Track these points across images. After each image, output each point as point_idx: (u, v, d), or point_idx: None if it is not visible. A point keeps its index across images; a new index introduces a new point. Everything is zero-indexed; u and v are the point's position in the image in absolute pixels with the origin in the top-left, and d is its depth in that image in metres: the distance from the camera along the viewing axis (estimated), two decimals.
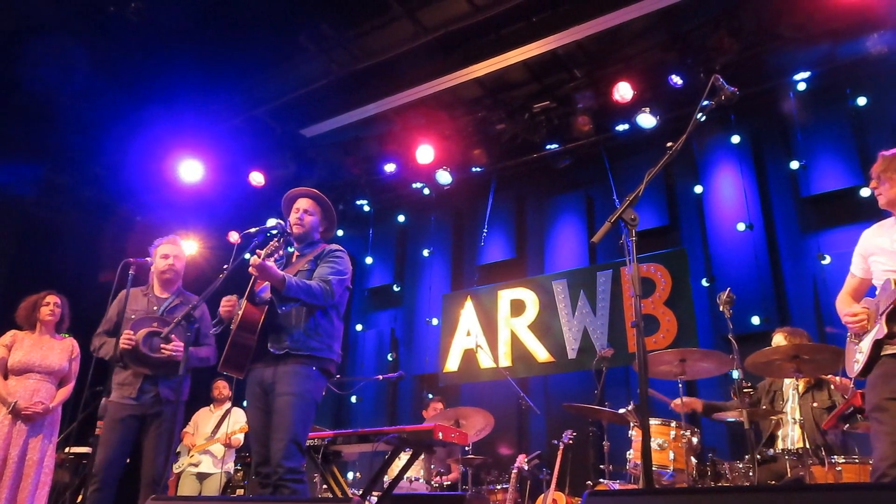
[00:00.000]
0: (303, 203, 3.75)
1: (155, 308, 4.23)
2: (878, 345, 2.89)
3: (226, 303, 3.53)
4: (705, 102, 2.80)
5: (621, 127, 7.18)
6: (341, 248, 3.76)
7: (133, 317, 4.12)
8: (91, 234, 7.89)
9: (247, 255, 3.50)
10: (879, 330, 2.90)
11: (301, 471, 3.26)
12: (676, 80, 6.51)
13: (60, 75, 6.53)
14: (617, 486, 4.85)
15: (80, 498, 5.33)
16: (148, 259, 4.30)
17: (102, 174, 7.78)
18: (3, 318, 5.01)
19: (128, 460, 4.09)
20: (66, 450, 5.82)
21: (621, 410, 4.79)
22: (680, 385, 4.61)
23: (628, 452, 4.60)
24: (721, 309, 4.30)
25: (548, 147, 7.63)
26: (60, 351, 4.81)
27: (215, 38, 6.54)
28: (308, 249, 3.73)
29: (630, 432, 4.69)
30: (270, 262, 3.34)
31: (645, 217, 6.97)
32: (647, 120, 6.80)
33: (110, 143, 7.32)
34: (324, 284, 3.47)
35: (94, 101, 6.82)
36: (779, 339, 4.62)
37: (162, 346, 3.98)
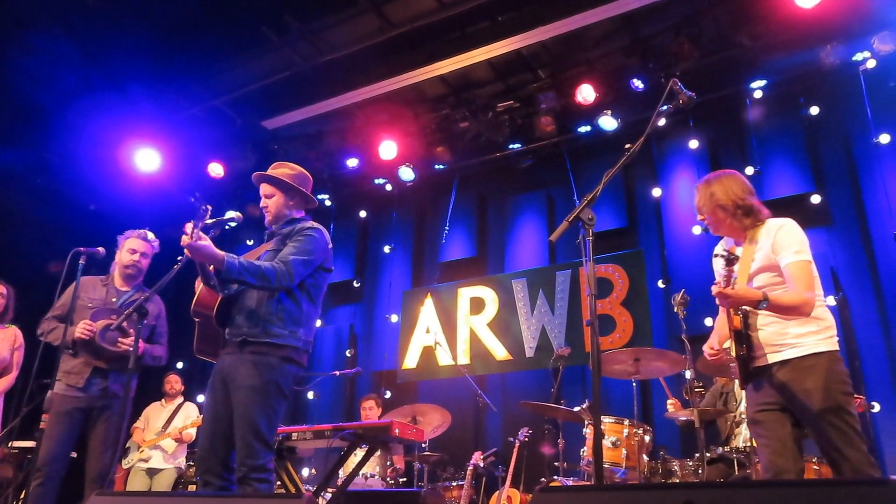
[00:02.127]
0: (262, 190, 3.52)
1: (114, 300, 4.15)
2: (743, 362, 2.89)
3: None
4: (664, 106, 2.85)
5: (583, 129, 7.27)
6: (316, 226, 3.45)
7: (90, 305, 4.04)
8: (40, 222, 7.66)
9: (249, 241, 3.36)
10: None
11: (267, 468, 3.04)
12: (638, 84, 6.62)
13: (8, 61, 6.33)
14: (570, 483, 4.90)
15: (23, 494, 5.17)
16: (100, 249, 4.19)
17: (52, 161, 7.55)
18: None
19: (73, 455, 4.00)
20: (10, 444, 5.65)
21: (576, 408, 4.85)
22: (634, 384, 4.69)
23: (582, 450, 4.67)
24: (675, 310, 4.38)
25: (510, 147, 7.68)
26: (3, 340, 4.65)
27: (174, 27, 6.42)
28: (284, 228, 3.46)
29: (584, 430, 4.76)
30: (206, 241, 3.04)
31: (604, 218, 7.06)
32: (608, 122, 6.89)
33: (61, 129, 7.11)
34: (279, 265, 3.15)
35: (43, 85, 6.61)
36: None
37: (119, 339, 3.90)
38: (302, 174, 3.57)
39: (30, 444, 5.49)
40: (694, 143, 6.95)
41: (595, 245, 2.62)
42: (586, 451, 4.59)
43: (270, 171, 3.51)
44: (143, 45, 6.56)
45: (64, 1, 6.10)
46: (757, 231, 3.03)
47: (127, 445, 6.54)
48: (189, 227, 3.01)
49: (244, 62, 7.16)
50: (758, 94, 6.63)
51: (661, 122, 6.39)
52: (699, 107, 6.57)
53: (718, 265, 2.92)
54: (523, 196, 8.04)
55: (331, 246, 3.50)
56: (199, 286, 3.30)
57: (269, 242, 3.48)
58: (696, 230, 6.62)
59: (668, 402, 4.82)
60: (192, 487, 6.45)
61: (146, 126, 7.50)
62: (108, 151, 7.50)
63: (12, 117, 6.96)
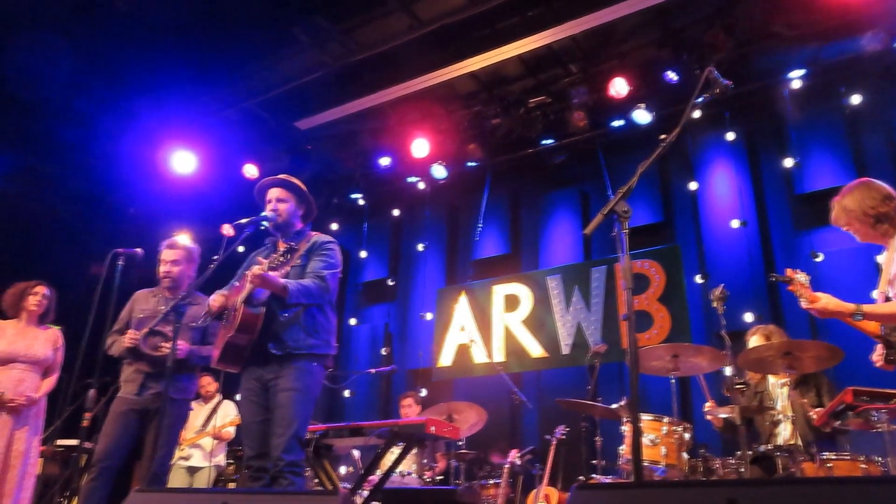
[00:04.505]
0: (274, 193, 3.70)
1: (162, 308, 4.26)
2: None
3: (215, 301, 3.55)
4: (700, 96, 2.79)
5: (616, 123, 7.17)
6: (332, 239, 3.74)
7: (142, 316, 4.25)
8: (80, 225, 7.85)
9: (240, 248, 3.49)
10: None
11: (301, 464, 3.29)
12: (672, 76, 6.51)
13: (47, 67, 6.48)
14: (609, 480, 4.84)
15: (68, 491, 5.30)
16: (138, 250, 4.32)
17: (92, 165, 7.71)
18: None
19: (127, 454, 4.11)
20: (55, 442, 5.79)
21: (614, 406, 4.79)
22: (672, 381, 4.61)
23: (620, 448, 4.60)
24: (714, 305, 4.29)
25: (543, 142, 7.62)
26: (45, 341, 4.77)
27: (207, 29, 6.50)
28: (297, 239, 3.69)
29: (622, 428, 4.69)
30: (274, 274, 3.36)
31: (639, 213, 6.97)
32: (642, 116, 6.79)
33: (100, 134, 7.26)
34: (319, 282, 3.49)
35: (82, 92, 6.77)
36: (757, 339, 4.60)
37: (160, 344, 4.01)
38: (310, 197, 3.84)
39: (74, 442, 5.61)
40: (730, 136, 6.82)
41: (630, 240, 2.58)
42: (624, 449, 4.52)
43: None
44: (177, 50, 6.66)
45: (98, 9, 6.21)
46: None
47: None
48: (266, 263, 3.35)
49: (276, 63, 7.23)
50: (796, 85, 6.47)
51: (697, 114, 6.28)
52: (735, 98, 6.51)
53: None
54: (556, 192, 7.98)
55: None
56: (241, 308, 3.39)
57: (292, 258, 3.59)
58: (734, 224, 6.49)
59: (706, 404, 4.72)
60: (231, 485, 6.54)
61: (182, 129, 7.62)
62: (146, 154, 7.64)
63: (52, 122, 7.13)
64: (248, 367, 3.50)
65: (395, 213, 8.87)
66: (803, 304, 2.83)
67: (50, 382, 4.78)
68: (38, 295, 4.81)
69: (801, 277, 3.19)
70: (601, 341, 6.51)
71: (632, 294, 2.48)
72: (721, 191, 6.80)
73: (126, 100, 6.94)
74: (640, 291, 6.72)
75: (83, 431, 4.42)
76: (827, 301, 2.82)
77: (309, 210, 3.81)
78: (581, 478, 5.09)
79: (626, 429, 4.60)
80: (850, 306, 2.72)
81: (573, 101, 7.08)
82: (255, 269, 3.30)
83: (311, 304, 3.49)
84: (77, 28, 6.38)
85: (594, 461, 5.18)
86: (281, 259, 3.41)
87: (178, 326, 3.63)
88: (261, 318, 3.44)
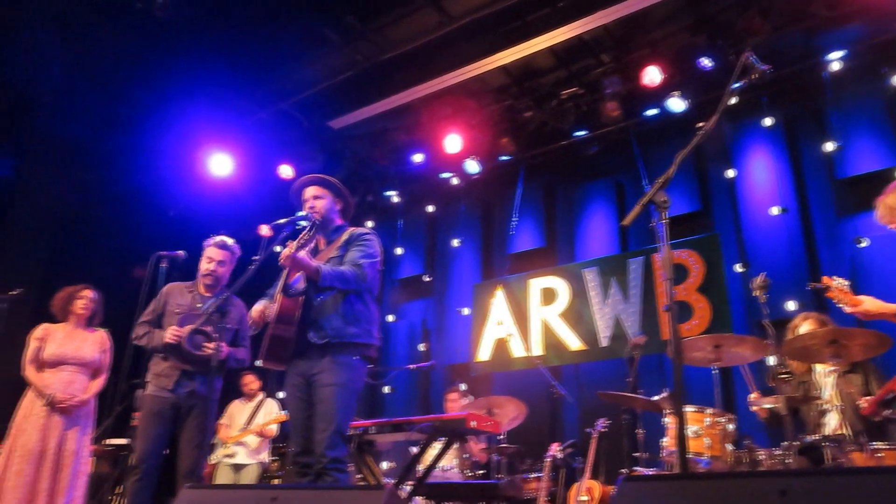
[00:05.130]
0: (311, 191, 3.74)
1: (199, 306, 4.30)
2: None
3: (256, 313, 3.54)
4: (737, 82, 2.74)
5: (651, 112, 7.10)
6: (370, 230, 3.75)
7: (178, 311, 4.21)
8: (123, 228, 8.02)
9: (277, 248, 3.52)
10: None
11: (344, 460, 3.28)
12: (706, 62, 6.40)
13: (90, 76, 6.64)
14: (651, 473, 4.80)
15: (119, 489, 5.45)
16: (180, 252, 4.38)
17: (133, 169, 7.89)
18: (40, 312, 5.12)
19: (166, 451, 4.19)
20: (104, 442, 5.95)
21: (655, 398, 4.75)
22: (714, 372, 4.55)
23: (663, 440, 4.56)
24: (755, 294, 4.22)
25: (576, 134, 7.56)
26: (93, 343, 4.89)
27: (239, 33, 6.59)
28: (335, 235, 3.72)
29: (664, 420, 4.64)
30: (302, 254, 3.34)
31: (677, 202, 6.88)
32: (676, 104, 6.70)
33: (141, 138, 7.42)
34: (355, 268, 3.48)
35: (124, 98, 6.92)
36: (808, 325, 4.51)
37: (204, 343, 4.06)
38: (346, 192, 3.85)
39: (123, 441, 5.76)
40: (768, 121, 6.68)
41: (668, 228, 2.55)
42: (667, 441, 4.48)
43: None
44: (212, 55, 6.77)
45: (136, 17, 6.34)
46: None
47: (213, 442, 6.79)
48: (294, 244, 3.35)
49: (308, 65, 7.30)
50: (835, 66, 6.32)
51: (733, 100, 6.16)
52: (773, 83, 6.38)
53: None
54: (591, 184, 7.91)
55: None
56: (278, 298, 3.42)
57: (329, 249, 3.65)
58: (774, 211, 6.37)
59: (751, 395, 4.64)
60: (275, 481, 6.65)
61: (218, 132, 7.75)
62: (185, 158, 7.79)
63: (95, 128, 7.30)
64: (291, 363, 3.50)
65: (430, 209, 8.90)
66: (846, 310, 2.78)
67: (98, 383, 4.89)
68: (85, 299, 4.93)
69: (839, 282, 3.14)
70: (640, 333, 6.45)
71: (672, 284, 2.45)
72: (760, 177, 6.68)
73: (165, 105, 7.08)
74: (679, 282, 6.64)
75: (132, 431, 4.51)
76: (869, 304, 2.77)
77: (346, 205, 3.84)
78: (624, 470, 5.06)
79: (669, 420, 4.56)
80: (893, 307, 2.67)
81: (606, 92, 7.01)
82: (285, 251, 3.30)
83: (349, 291, 3.47)
84: (117, 36, 6.53)
85: (636, 454, 5.13)
86: (307, 236, 3.40)
87: (224, 328, 3.69)
88: (299, 305, 3.44)
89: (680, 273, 6.65)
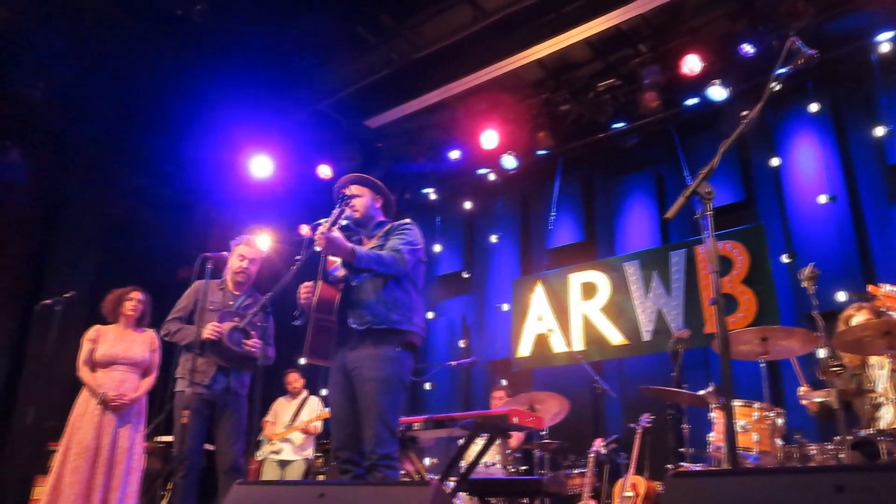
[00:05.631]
0: (350, 190, 3.68)
1: (231, 303, 4.36)
2: None
3: (304, 290, 3.44)
4: (782, 68, 2.67)
5: (691, 101, 6.96)
6: (410, 221, 3.69)
7: (212, 308, 4.24)
8: (168, 231, 8.21)
9: (304, 228, 3.46)
10: None
11: (394, 457, 3.20)
12: (748, 48, 6.26)
13: (132, 80, 6.80)
14: (698, 468, 4.73)
15: (170, 485, 5.57)
16: (225, 253, 4.44)
17: (178, 174, 8.05)
18: (91, 313, 5.26)
19: (211, 447, 4.27)
20: (155, 438, 6.09)
21: (700, 392, 4.67)
22: (762, 366, 4.45)
23: (709, 435, 4.48)
24: (804, 285, 4.11)
25: (614, 126, 7.47)
26: (142, 343, 5.01)
27: (276, 36, 6.67)
28: (376, 230, 3.67)
29: (710, 414, 4.57)
30: (336, 233, 3.28)
31: (720, 193, 6.69)
32: (718, 92, 6.56)
33: (185, 142, 7.57)
34: (394, 253, 3.40)
35: (167, 103, 7.07)
36: (861, 316, 4.38)
37: (243, 341, 4.13)
38: (384, 188, 3.80)
39: (172, 438, 5.90)
40: (814, 107, 6.49)
41: (713, 221, 2.50)
42: (714, 436, 4.40)
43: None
44: (250, 58, 6.88)
45: (177, 23, 6.46)
46: None
47: (259, 438, 6.91)
48: (327, 222, 3.28)
49: (344, 64, 7.36)
50: (884, 48, 6.11)
51: (777, 86, 6.02)
52: (818, 67, 6.17)
53: None
54: (630, 176, 7.81)
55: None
56: (319, 285, 3.43)
57: (370, 242, 3.62)
58: (822, 199, 6.20)
59: (800, 389, 4.53)
60: (320, 477, 6.73)
61: (258, 134, 7.85)
62: (227, 160, 7.92)
63: (145, 133, 7.48)
64: (334, 356, 3.46)
65: (467, 205, 8.88)
66: None
67: (148, 382, 5.00)
68: (134, 300, 5.05)
69: (887, 289, 3.03)
70: (683, 327, 6.35)
71: (718, 277, 2.41)
72: (806, 165, 6.51)
73: (207, 110, 7.21)
74: (723, 274, 6.51)
75: (178, 428, 4.61)
76: None
77: (387, 201, 3.80)
78: (669, 466, 4.99)
79: (715, 415, 4.48)
80: None
81: (644, 82, 6.90)
82: (319, 229, 3.23)
83: (388, 277, 3.39)
84: (158, 42, 6.67)
85: (682, 449, 5.06)
86: (337, 211, 3.35)
87: (264, 326, 3.73)
88: (339, 292, 3.40)
89: (724, 265, 6.52)
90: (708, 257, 2.42)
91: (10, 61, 6.67)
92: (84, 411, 4.72)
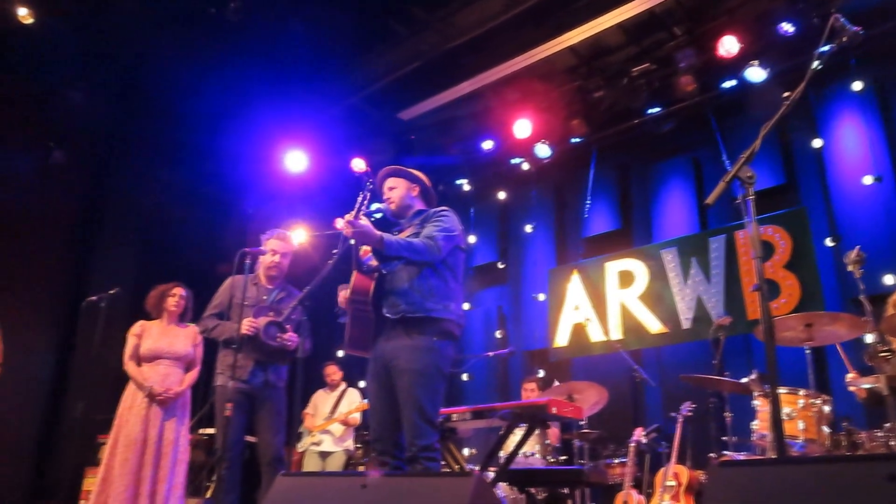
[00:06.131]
0: (387, 183, 3.70)
1: (264, 298, 4.43)
2: None
3: (343, 291, 3.43)
4: (825, 46, 2.59)
5: (728, 84, 6.80)
6: (446, 208, 3.60)
7: (247, 303, 4.29)
8: (207, 227, 8.34)
9: (352, 241, 3.46)
10: None
11: (434, 448, 3.16)
12: (787, 27, 6.10)
13: (168, 79, 6.91)
14: (742, 457, 4.66)
15: (214, 476, 5.68)
16: (263, 248, 4.50)
17: (215, 170, 8.17)
18: (135, 308, 5.38)
19: (252, 439, 4.35)
20: (200, 431, 6.21)
21: (743, 380, 4.59)
22: (807, 352, 4.36)
23: (753, 423, 4.40)
24: (849, 269, 3.99)
25: (649, 112, 7.35)
26: (185, 337, 5.10)
27: (307, 32, 6.71)
28: (415, 218, 3.63)
29: (754, 402, 4.48)
30: (363, 221, 3.24)
31: (760, 176, 6.54)
32: (756, 74, 6.41)
33: (222, 139, 7.67)
34: (427, 240, 3.32)
35: (204, 101, 7.16)
36: None
37: (278, 335, 4.19)
38: (420, 176, 3.73)
39: (214, 431, 6.01)
40: (857, 85, 6.29)
41: (755, 206, 2.45)
42: (758, 424, 4.32)
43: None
44: (283, 55, 6.93)
45: (210, 25, 6.54)
46: None
47: (300, 430, 7.00)
48: (352, 213, 3.25)
49: (376, 58, 7.37)
50: None
51: (819, 65, 5.86)
52: (861, 43, 5.97)
53: None
54: (667, 162, 7.69)
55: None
56: (353, 275, 3.44)
57: (406, 230, 3.57)
58: (867, 180, 6.02)
59: (848, 375, 4.42)
60: (360, 468, 6.80)
61: (293, 130, 7.92)
62: (264, 156, 8.01)
63: (179, 131, 7.61)
64: (372, 347, 3.44)
65: (501, 195, 8.84)
66: None
67: (192, 376, 5.11)
68: (176, 296, 5.15)
69: None
70: (724, 313, 6.24)
71: (761, 262, 2.36)
72: (850, 146, 6.32)
73: (242, 106, 7.30)
74: (765, 259, 6.32)
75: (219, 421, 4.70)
76: None
77: (424, 189, 3.73)
78: (712, 455, 4.92)
79: (759, 403, 4.40)
80: None
81: (680, 66, 6.78)
82: (344, 218, 3.20)
83: (423, 264, 3.32)
84: (194, 41, 6.76)
85: (724, 437, 4.98)
86: (361, 198, 3.31)
87: (303, 321, 3.77)
88: (373, 281, 3.36)
89: (765, 250, 6.38)
90: (750, 242, 2.37)
91: (51, 63, 6.83)
92: (131, 404, 4.83)
